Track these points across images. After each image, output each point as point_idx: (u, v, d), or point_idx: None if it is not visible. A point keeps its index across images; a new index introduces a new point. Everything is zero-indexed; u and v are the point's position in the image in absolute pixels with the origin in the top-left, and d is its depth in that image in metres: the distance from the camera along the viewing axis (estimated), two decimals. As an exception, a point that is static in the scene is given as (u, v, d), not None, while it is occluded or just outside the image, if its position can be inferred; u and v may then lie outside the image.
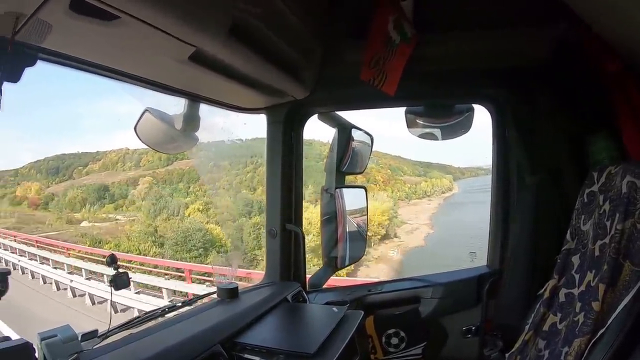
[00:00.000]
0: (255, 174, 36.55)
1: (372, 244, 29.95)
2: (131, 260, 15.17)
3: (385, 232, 31.29)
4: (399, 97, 1.46)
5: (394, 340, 1.80)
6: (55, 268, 13.96)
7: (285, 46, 1.24)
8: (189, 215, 32.61)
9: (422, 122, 1.79)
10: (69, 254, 15.65)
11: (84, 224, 40.80)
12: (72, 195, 46.42)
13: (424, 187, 40.74)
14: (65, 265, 13.94)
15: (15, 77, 0.90)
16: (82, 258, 14.93)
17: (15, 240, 18.07)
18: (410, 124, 1.79)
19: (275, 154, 1.73)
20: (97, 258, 14.51)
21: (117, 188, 46.08)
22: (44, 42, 0.86)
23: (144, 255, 24.15)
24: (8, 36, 0.79)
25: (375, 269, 27.07)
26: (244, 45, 1.06)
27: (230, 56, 1.09)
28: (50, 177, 53.82)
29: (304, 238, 1.75)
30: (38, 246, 17.11)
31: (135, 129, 1.31)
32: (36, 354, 0.98)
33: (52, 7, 0.75)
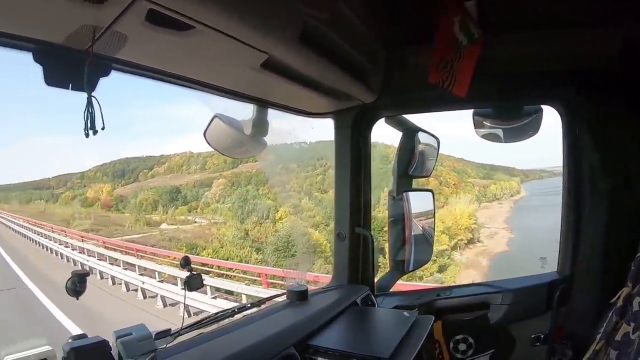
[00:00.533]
0: (325, 177, 36.87)
1: (458, 248, 29.53)
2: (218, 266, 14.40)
3: (471, 237, 30.55)
4: (468, 100, 1.46)
5: (462, 347, 1.81)
6: (161, 281, 11.77)
7: (351, 50, 1.27)
8: (280, 219, 32.40)
9: (490, 124, 1.79)
10: (165, 261, 13.81)
11: (164, 226, 41.04)
12: (143, 197, 47.90)
13: (493, 190, 40.28)
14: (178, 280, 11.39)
15: (89, 87, 0.94)
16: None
17: (105, 247, 16.69)
18: (477, 126, 1.80)
19: (343, 158, 1.77)
20: (208, 269, 13.16)
21: (188, 190, 47.05)
22: (119, 53, 0.91)
23: (245, 262, 23.69)
24: (83, 48, 0.85)
25: (467, 275, 26.17)
26: (313, 51, 1.09)
27: (300, 62, 1.13)
28: (117, 179, 56.48)
29: (373, 241, 1.77)
30: (138, 255, 15.07)
31: (204, 134, 1.35)
32: (112, 352, 1.02)
33: (129, 19, 0.78)
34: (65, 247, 17.72)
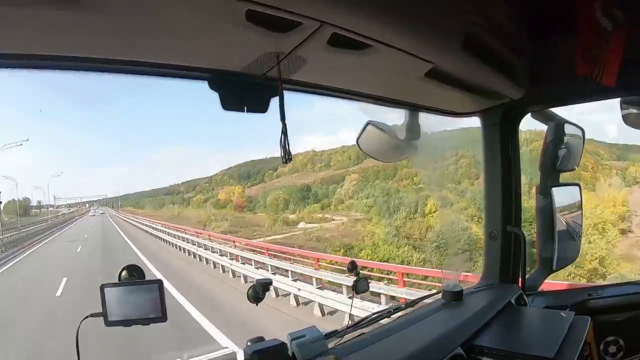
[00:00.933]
0: (458, 167, 35.85)
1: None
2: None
3: (625, 226, 27.72)
4: (617, 88, 1.41)
5: (612, 349, 1.78)
6: (320, 288, 9.63)
7: (500, 46, 1.26)
8: (430, 213, 31.00)
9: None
10: (319, 265, 11.69)
11: (302, 224, 41.14)
12: (273, 196, 50.68)
13: (632, 172, 36.13)
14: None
15: (263, 108, 1.05)
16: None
17: (268, 254, 13.99)
18: (626, 113, 1.73)
19: (492, 156, 1.80)
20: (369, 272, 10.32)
21: (317, 188, 49.09)
22: (294, 75, 1.01)
23: (407, 263, 22.11)
24: (260, 73, 0.98)
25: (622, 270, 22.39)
26: (470, 53, 1.11)
27: (458, 66, 1.19)
28: (242, 181, 62.84)
29: (524, 240, 1.79)
30: (289, 259, 12.92)
31: (357, 141, 1.43)
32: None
33: (312, 44, 0.87)
34: (217, 253, 15.46)
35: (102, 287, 1.03)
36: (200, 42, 0.86)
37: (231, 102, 1.02)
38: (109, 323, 1.04)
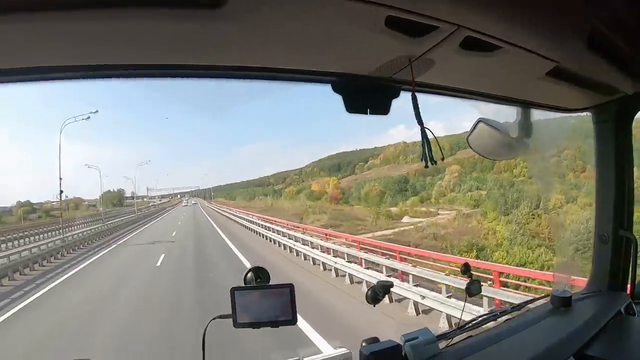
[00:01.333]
0: (561, 159, 32.95)
1: None
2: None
3: None
4: None
5: None
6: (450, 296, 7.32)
7: (621, 41, 1.20)
8: (555, 208, 28.21)
9: None
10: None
11: (406, 219, 38.79)
12: (368, 188, 50.88)
13: None
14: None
15: (385, 110, 1.10)
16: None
17: (360, 248, 12.28)
18: None
19: (605, 155, 1.74)
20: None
21: (415, 180, 47.72)
22: (421, 77, 1.05)
23: (547, 268, 18.69)
24: (386, 76, 1.04)
25: None
26: (593, 49, 1.09)
27: (575, 61, 1.15)
28: (333, 173, 64.99)
29: (637, 245, 1.71)
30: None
31: (467, 139, 1.41)
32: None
33: (444, 48, 0.92)
34: (326, 251, 12.58)
35: (232, 290, 1.09)
36: (330, 48, 0.93)
37: (354, 104, 1.08)
38: (237, 325, 1.10)
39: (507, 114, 1.53)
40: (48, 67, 0.86)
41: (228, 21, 0.75)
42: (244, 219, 29.12)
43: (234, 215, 35.11)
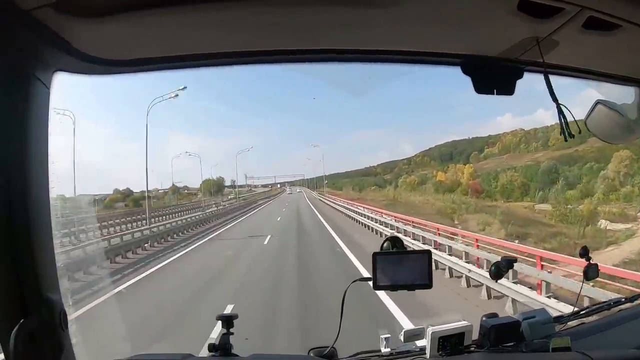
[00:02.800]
0: None
1: None
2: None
3: None
4: None
5: None
6: None
7: None
8: None
9: None
10: None
11: (605, 224, 29.85)
12: (504, 180, 47.20)
13: None
14: None
15: (511, 91, 1.29)
16: None
17: None
18: None
19: None
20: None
21: (565, 170, 41.64)
22: (545, 58, 1.14)
23: None
24: (512, 57, 1.23)
25: None
26: None
27: None
28: (444, 163, 63.85)
29: None
30: None
31: (585, 122, 1.44)
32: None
33: (568, 28, 1.04)
34: None
35: (374, 255, 1.41)
36: (461, 30, 1.07)
37: (483, 85, 1.26)
38: (377, 287, 1.41)
39: (623, 95, 1.58)
40: (162, 58, 1.14)
41: (371, 6, 0.90)
42: (370, 218, 21.89)
43: (350, 209, 28.50)
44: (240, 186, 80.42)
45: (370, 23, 1.04)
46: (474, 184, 51.36)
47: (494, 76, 1.27)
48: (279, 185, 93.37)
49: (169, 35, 1.03)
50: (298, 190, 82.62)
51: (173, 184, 62.43)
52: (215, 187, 71.59)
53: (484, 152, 60.89)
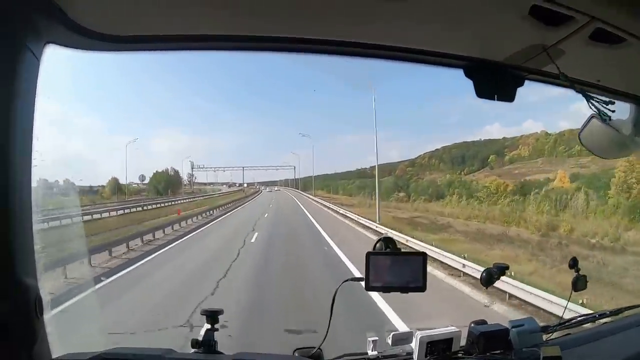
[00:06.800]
0: None
1: None
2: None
3: None
4: None
5: None
6: None
7: None
8: None
9: None
10: None
11: None
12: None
13: None
14: None
15: (511, 97, 1.31)
16: None
17: None
18: None
19: None
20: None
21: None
22: (549, 67, 1.20)
23: None
24: (516, 64, 1.25)
25: None
26: None
27: None
28: (456, 166, 59.65)
29: None
30: None
31: (579, 135, 1.51)
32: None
33: (576, 38, 1.08)
34: None
35: (367, 254, 1.40)
36: (469, 30, 1.09)
37: (484, 90, 1.26)
38: (369, 288, 1.39)
39: (619, 111, 1.55)
40: (165, 36, 1.16)
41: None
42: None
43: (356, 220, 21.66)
44: (202, 184, 73.78)
45: (377, 16, 1.05)
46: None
47: (496, 81, 1.29)
48: (256, 185, 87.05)
49: (169, 13, 1.03)
50: (276, 189, 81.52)
51: (112, 177, 52.61)
52: (165, 183, 59.80)
53: (508, 156, 55.07)
